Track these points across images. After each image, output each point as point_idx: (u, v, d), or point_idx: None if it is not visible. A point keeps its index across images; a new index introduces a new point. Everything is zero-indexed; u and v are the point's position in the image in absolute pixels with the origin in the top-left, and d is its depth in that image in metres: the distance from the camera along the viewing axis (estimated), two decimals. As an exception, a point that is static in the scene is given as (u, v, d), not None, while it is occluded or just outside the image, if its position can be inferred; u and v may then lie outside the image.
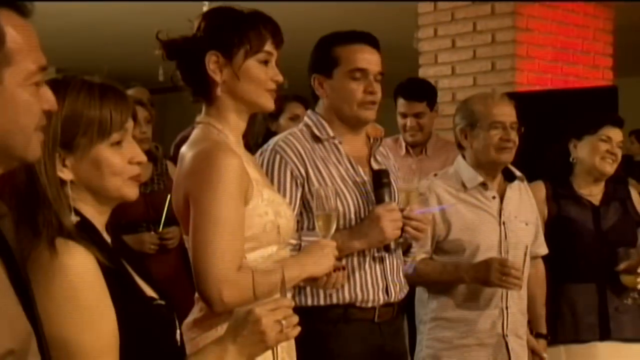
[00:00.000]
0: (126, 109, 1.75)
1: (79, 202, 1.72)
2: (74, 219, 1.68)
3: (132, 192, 1.79)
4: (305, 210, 2.70)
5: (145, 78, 5.52)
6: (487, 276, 3.05)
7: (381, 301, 2.79)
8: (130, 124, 1.78)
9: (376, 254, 2.78)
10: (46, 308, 1.54)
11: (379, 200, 2.74)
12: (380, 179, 2.76)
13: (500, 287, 3.10)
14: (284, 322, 1.82)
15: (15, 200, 1.63)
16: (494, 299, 3.19)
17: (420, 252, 3.19)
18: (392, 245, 2.78)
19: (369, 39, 2.83)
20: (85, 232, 1.68)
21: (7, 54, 1.35)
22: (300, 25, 6.73)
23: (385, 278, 2.80)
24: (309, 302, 2.70)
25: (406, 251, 2.95)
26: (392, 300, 2.82)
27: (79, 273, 1.61)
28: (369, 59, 2.80)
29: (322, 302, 2.71)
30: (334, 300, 2.72)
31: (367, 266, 2.77)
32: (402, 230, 2.73)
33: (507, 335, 3.20)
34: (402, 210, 2.72)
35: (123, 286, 1.71)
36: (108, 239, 1.79)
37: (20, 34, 1.38)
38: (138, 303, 1.74)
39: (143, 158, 1.80)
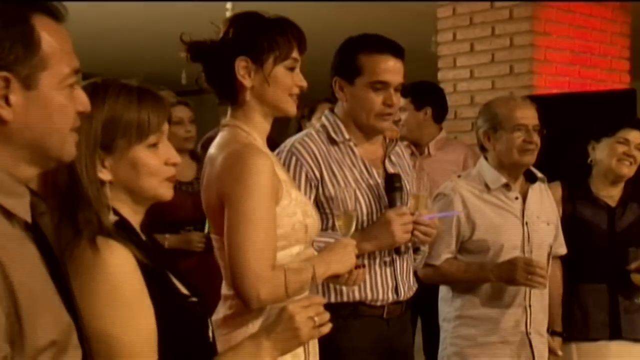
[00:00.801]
0: (163, 112, 1.77)
1: (116, 202, 1.75)
2: (112, 218, 1.71)
3: (167, 192, 1.81)
4: (318, 211, 2.71)
5: (168, 81, 5.56)
6: (513, 275, 3.06)
7: (390, 300, 2.81)
8: (166, 126, 1.79)
9: (387, 257, 2.80)
10: (89, 303, 1.57)
11: (391, 203, 2.76)
12: (392, 183, 2.78)
13: (525, 286, 3.11)
14: (316, 318, 1.84)
15: (57, 199, 1.66)
16: (518, 298, 3.19)
17: (445, 252, 3.21)
18: (402, 248, 2.81)
19: (394, 49, 2.81)
20: (123, 231, 1.71)
21: (43, 58, 1.38)
22: (321, 30, 6.75)
23: (395, 278, 2.82)
24: None
25: (416, 250, 2.96)
26: (401, 298, 2.84)
27: (120, 270, 1.63)
28: (391, 71, 2.79)
29: (332, 300, 2.72)
30: (345, 299, 2.75)
31: (377, 267, 2.79)
32: (412, 233, 2.74)
33: (530, 333, 3.21)
34: (411, 214, 2.74)
35: (160, 283, 1.73)
36: (143, 238, 1.81)
37: (54, 38, 1.40)
38: (174, 300, 1.76)
39: (178, 159, 1.82)
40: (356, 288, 2.72)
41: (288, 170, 2.67)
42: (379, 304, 2.79)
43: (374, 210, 2.77)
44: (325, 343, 2.57)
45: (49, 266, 1.43)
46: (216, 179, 2.22)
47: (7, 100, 1.35)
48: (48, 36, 1.39)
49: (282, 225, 2.21)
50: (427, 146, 4.73)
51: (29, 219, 1.41)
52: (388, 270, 2.81)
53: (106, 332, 1.60)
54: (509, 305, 3.20)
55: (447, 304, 3.31)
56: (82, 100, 1.47)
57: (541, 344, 3.27)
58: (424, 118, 4.73)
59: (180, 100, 4.21)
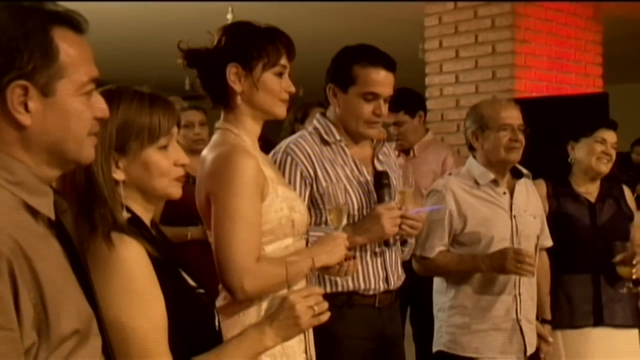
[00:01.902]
0: (172, 116, 1.78)
1: (129, 200, 1.75)
2: (126, 215, 1.71)
3: (176, 191, 1.81)
4: (312, 207, 2.70)
5: (173, 87, 5.54)
6: (504, 264, 3.05)
7: (381, 289, 2.81)
8: (175, 129, 1.79)
9: (377, 249, 2.80)
10: (104, 295, 1.57)
11: (380, 199, 2.75)
12: (380, 180, 2.78)
13: (515, 274, 3.09)
14: (315, 307, 1.83)
15: (75, 198, 1.66)
16: (508, 287, 3.18)
17: (439, 245, 3.20)
18: (391, 241, 2.80)
19: (387, 62, 2.81)
20: (135, 227, 1.71)
21: (60, 68, 1.38)
22: (315, 38, 6.75)
23: (385, 269, 2.82)
24: None
25: (403, 243, 2.95)
26: (391, 288, 2.84)
27: (133, 264, 1.64)
28: (383, 83, 2.78)
29: (328, 290, 2.70)
30: (339, 289, 2.74)
31: (368, 259, 2.78)
32: (399, 227, 2.73)
33: (520, 320, 3.20)
34: (399, 209, 2.73)
35: (170, 275, 1.74)
36: (154, 233, 1.81)
37: (73, 48, 1.41)
38: (183, 291, 1.77)
39: (186, 160, 1.82)
40: (350, 278, 2.71)
41: (284, 169, 2.67)
42: (371, 293, 2.79)
43: (364, 205, 2.77)
44: (321, 331, 2.56)
45: (70, 261, 1.44)
46: (205, 178, 2.23)
47: (26, 106, 1.36)
48: (67, 47, 1.40)
49: (268, 220, 2.21)
50: (413, 148, 4.71)
51: (52, 217, 1.42)
52: (379, 261, 2.81)
53: (120, 320, 1.61)
54: (499, 293, 3.19)
55: (442, 294, 3.29)
56: (101, 107, 1.47)
57: (530, 330, 3.26)
58: (419, 122, 4.72)
59: (192, 105, 4.22)
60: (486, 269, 3.13)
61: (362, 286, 2.77)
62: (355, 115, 2.79)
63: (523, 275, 3.11)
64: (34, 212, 1.38)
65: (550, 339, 3.42)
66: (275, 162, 2.68)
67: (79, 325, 1.36)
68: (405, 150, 4.72)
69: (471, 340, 3.18)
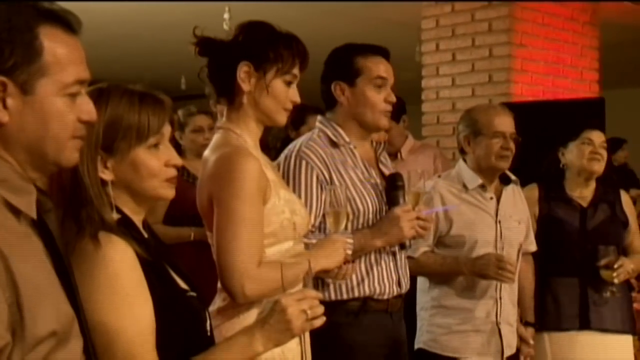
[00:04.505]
0: (163, 115, 1.73)
1: (119, 201, 1.71)
2: (115, 216, 1.67)
3: (168, 192, 1.77)
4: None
5: (169, 86, 5.52)
6: (485, 270, 3.06)
7: (394, 293, 2.78)
8: (167, 128, 1.75)
9: (390, 252, 2.77)
10: (90, 295, 1.54)
11: (394, 201, 2.72)
12: (395, 182, 2.75)
13: (496, 280, 3.10)
14: (309, 311, 1.78)
15: (61, 198, 1.62)
16: (489, 290, 3.19)
17: (423, 245, 3.19)
18: (407, 243, 2.78)
19: (384, 52, 2.81)
20: (125, 228, 1.67)
21: (43, 66, 1.35)
22: (310, 40, 6.72)
23: (398, 272, 2.80)
24: (332, 297, 2.68)
25: (402, 246, 2.94)
26: (402, 291, 2.82)
27: (119, 264, 1.60)
28: (388, 70, 2.78)
29: (345, 297, 2.69)
30: (356, 294, 2.70)
31: (382, 262, 2.75)
32: None
33: (499, 323, 3.21)
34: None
35: (159, 278, 1.70)
36: (145, 235, 1.77)
37: (61, 48, 1.38)
38: (173, 294, 1.73)
39: (178, 161, 1.77)
40: (366, 283, 2.70)
41: (299, 174, 2.63)
42: (385, 297, 2.76)
43: (378, 208, 2.74)
44: (336, 339, 2.57)
45: (53, 261, 1.41)
46: (207, 180, 2.20)
47: (4, 103, 1.32)
48: (53, 46, 1.36)
49: (270, 223, 2.18)
50: (400, 152, 4.70)
51: (34, 216, 1.38)
52: (392, 264, 2.78)
53: (105, 322, 1.57)
54: (481, 296, 3.19)
55: (425, 293, 3.30)
56: (87, 110, 1.43)
57: (510, 332, 3.28)
58: (404, 126, 4.72)
59: (201, 110, 4.17)
60: (468, 272, 3.14)
61: (377, 290, 2.73)
62: (369, 105, 2.75)
63: (503, 282, 3.12)
64: (15, 211, 1.34)
65: (532, 342, 3.42)
66: (288, 167, 2.64)
67: (57, 327, 1.32)
68: (392, 154, 4.71)
69: (451, 340, 3.20)
